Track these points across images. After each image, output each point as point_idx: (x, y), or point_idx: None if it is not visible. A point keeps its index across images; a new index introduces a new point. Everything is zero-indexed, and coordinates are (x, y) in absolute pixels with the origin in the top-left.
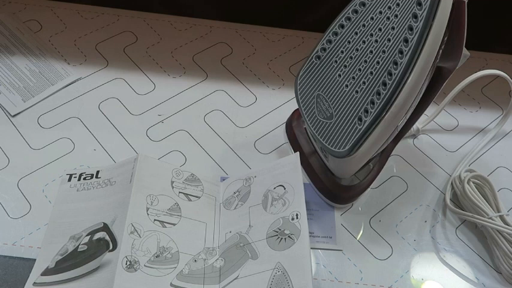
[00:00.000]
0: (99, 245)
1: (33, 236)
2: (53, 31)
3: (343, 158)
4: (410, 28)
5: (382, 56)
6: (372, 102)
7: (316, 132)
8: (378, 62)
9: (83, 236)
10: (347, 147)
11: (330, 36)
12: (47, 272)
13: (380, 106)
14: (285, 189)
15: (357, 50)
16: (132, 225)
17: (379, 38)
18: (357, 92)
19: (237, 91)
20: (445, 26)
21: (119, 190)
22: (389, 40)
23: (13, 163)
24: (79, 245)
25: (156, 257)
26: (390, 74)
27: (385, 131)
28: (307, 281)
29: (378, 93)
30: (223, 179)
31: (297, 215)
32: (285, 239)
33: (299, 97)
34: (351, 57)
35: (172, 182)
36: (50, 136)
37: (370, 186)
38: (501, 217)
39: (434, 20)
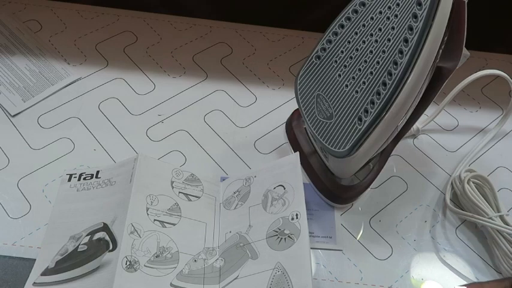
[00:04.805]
0: (99, 245)
1: (33, 236)
2: (53, 31)
3: (343, 158)
4: (410, 28)
5: (382, 56)
6: (372, 102)
7: (316, 132)
8: (377, 62)
9: (83, 236)
10: (347, 147)
11: (330, 36)
12: (46, 272)
13: (380, 106)
14: (284, 189)
15: (357, 50)
16: (132, 225)
17: (379, 38)
18: (356, 92)
19: (237, 91)
20: (445, 26)
21: (119, 190)
22: (389, 40)
23: (13, 163)
24: (79, 245)
25: (156, 257)
26: (390, 74)
27: (385, 131)
28: (307, 281)
29: (378, 93)
30: (223, 179)
31: (296, 215)
32: (285, 239)
33: (299, 97)
34: (351, 57)
35: (172, 182)
36: (50, 136)
37: (370, 186)
38: (501, 217)
39: (434, 20)
